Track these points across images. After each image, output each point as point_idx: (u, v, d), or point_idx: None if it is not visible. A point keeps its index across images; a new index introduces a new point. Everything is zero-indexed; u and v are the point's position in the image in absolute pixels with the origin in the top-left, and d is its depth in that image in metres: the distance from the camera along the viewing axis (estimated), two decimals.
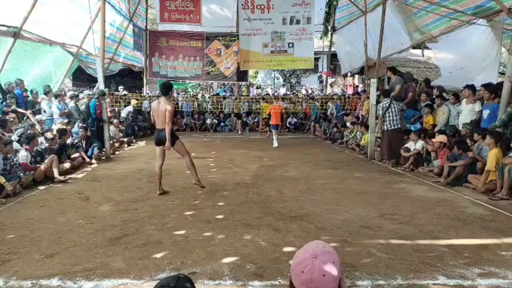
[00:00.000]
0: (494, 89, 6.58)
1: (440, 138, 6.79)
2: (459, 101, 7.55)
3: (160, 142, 5.35)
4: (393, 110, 7.67)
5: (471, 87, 7.02)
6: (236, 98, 16.25)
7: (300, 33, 14.42)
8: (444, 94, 8.44)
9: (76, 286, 2.67)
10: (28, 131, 6.78)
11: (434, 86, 9.36)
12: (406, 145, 7.73)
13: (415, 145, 7.48)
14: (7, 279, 2.78)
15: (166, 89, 5.23)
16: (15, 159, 5.66)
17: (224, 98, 16.71)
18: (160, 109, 5.15)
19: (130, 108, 12.93)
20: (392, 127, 7.70)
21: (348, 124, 11.34)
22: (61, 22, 9.82)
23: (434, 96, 8.39)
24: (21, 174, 5.57)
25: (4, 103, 8.14)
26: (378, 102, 8.89)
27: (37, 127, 7.70)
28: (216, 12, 15.23)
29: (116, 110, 12.34)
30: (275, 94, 20.37)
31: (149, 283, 2.71)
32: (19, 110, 8.35)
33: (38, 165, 6.06)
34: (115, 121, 10.57)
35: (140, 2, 14.02)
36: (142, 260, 3.11)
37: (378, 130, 7.99)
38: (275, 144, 10.73)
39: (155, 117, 5.30)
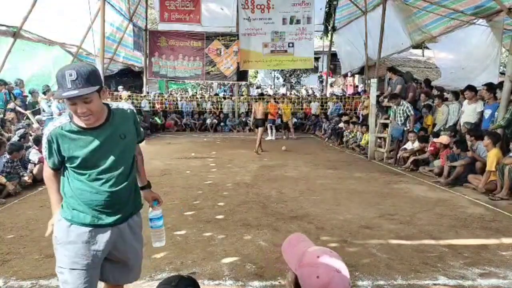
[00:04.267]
0: (492, 89, 6.59)
1: (442, 139, 6.79)
2: (458, 100, 7.55)
3: None
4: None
5: (473, 88, 7.03)
6: (243, 98, 16.26)
7: (300, 33, 14.43)
8: (443, 93, 8.45)
9: None
10: (25, 130, 6.78)
11: (434, 86, 9.36)
12: (404, 146, 7.74)
13: (412, 144, 7.49)
14: (7, 279, 2.78)
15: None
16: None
17: (224, 98, 16.72)
18: None
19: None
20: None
21: (341, 124, 11.45)
22: (61, 22, 9.81)
23: (434, 96, 8.39)
24: (25, 174, 5.60)
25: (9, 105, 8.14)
26: (378, 102, 8.90)
27: (34, 126, 7.69)
28: (216, 12, 15.23)
29: None
30: (275, 93, 20.38)
31: (149, 283, 2.71)
32: (19, 109, 8.35)
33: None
34: None
35: (140, 2, 14.01)
36: (142, 260, 3.10)
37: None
38: (270, 137, 11.39)
39: None
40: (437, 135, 7.19)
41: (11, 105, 8.13)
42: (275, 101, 13.49)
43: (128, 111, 1.83)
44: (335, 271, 1.05)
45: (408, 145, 7.60)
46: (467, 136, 6.23)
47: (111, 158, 1.70)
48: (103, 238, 1.73)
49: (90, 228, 1.70)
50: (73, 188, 1.70)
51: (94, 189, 1.69)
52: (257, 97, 12.35)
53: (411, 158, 7.27)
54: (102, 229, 1.72)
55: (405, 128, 7.92)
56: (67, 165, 1.70)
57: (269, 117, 11.82)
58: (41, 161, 6.04)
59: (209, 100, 16.58)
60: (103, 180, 1.69)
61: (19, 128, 7.13)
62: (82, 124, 1.65)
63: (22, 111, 8.43)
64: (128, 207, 1.81)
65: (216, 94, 19.37)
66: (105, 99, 1.71)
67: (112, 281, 1.88)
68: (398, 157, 7.83)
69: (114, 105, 1.79)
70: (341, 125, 11.52)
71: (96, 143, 1.66)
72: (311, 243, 1.19)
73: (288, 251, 1.15)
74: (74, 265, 1.68)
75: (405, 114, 7.87)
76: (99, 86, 1.60)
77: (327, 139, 12.39)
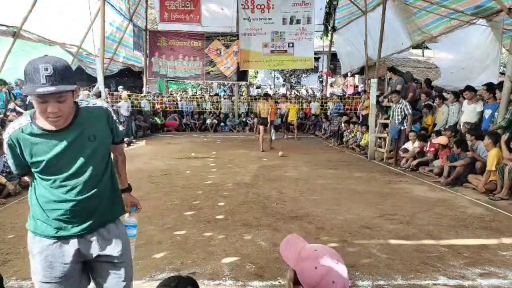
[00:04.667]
0: (492, 89, 6.59)
1: (440, 139, 6.79)
2: (458, 100, 7.56)
3: None
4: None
5: (472, 88, 7.04)
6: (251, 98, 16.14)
7: (300, 33, 14.43)
8: (443, 93, 8.45)
9: None
10: None
11: (434, 86, 9.36)
12: (404, 146, 7.74)
13: (413, 144, 7.49)
14: (7, 279, 2.77)
15: None
16: None
17: (224, 98, 16.72)
18: None
19: (126, 104, 12.87)
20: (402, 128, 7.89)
21: (342, 125, 11.46)
22: (61, 22, 9.81)
23: (434, 96, 8.40)
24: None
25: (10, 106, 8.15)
26: (378, 102, 8.89)
27: None
28: (216, 12, 15.23)
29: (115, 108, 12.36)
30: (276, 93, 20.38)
31: (149, 283, 2.71)
32: (19, 109, 8.35)
33: None
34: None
35: (140, 2, 14.02)
36: (142, 260, 3.10)
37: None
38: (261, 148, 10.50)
39: None
40: (439, 134, 7.18)
41: (11, 105, 8.13)
42: (276, 102, 13.49)
43: (100, 109, 1.63)
44: (332, 261, 1.08)
45: (409, 145, 7.60)
46: (468, 136, 6.23)
47: (78, 163, 1.52)
48: (69, 250, 1.57)
49: (54, 240, 1.55)
50: (38, 196, 1.55)
51: (58, 197, 1.52)
52: (262, 97, 12.26)
53: (415, 161, 7.22)
54: (67, 241, 1.56)
55: (402, 128, 7.81)
56: (33, 170, 1.54)
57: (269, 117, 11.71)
58: None
59: (209, 100, 16.58)
60: (68, 188, 1.52)
61: None
62: (46, 126, 1.47)
63: (22, 111, 8.43)
64: (100, 216, 1.62)
65: (217, 94, 19.36)
66: (76, 98, 1.53)
67: None
68: (397, 157, 7.83)
69: (83, 103, 1.59)
70: (342, 125, 11.51)
71: (60, 147, 1.49)
72: (306, 242, 1.21)
73: (286, 250, 1.17)
74: (44, 278, 1.56)
75: (402, 113, 7.77)
76: (75, 85, 1.45)
77: (327, 139, 12.40)
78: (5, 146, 1.51)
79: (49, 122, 1.45)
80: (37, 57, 1.43)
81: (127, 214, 1.84)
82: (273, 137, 11.06)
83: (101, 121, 1.61)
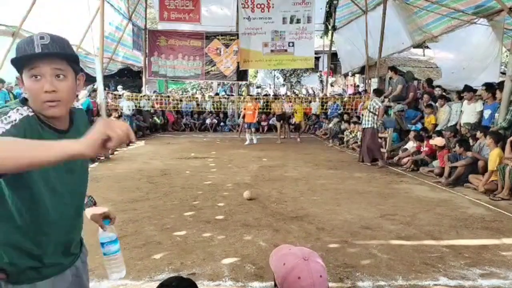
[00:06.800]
0: (492, 89, 6.58)
1: (437, 141, 6.75)
2: (460, 100, 7.55)
3: None
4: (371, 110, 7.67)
5: (471, 89, 7.03)
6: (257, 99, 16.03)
7: (300, 32, 14.41)
8: (444, 93, 8.44)
9: None
10: None
11: (435, 85, 9.35)
12: (405, 146, 7.73)
13: (413, 144, 7.48)
14: None
15: None
16: None
17: (227, 99, 16.70)
18: None
19: (128, 103, 12.89)
20: (368, 126, 7.70)
21: (342, 126, 11.47)
22: (59, 21, 9.79)
23: (436, 96, 8.38)
24: None
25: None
26: None
27: None
28: (215, 11, 15.20)
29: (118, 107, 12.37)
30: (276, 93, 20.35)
31: (149, 284, 2.69)
32: None
33: None
34: (112, 118, 10.55)
35: (139, 1, 13.99)
36: (142, 260, 3.09)
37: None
38: (249, 142, 10.96)
39: None
40: (440, 134, 7.16)
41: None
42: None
43: (82, 112, 1.37)
44: (301, 258, 1.07)
45: (410, 145, 7.59)
46: (477, 133, 6.14)
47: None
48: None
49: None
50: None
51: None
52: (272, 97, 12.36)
53: (409, 158, 7.28)
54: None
55: (374, 126, 7.65)
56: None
57: (248, 120, 11.20)
58: None
59: (209, 100, 16.56)
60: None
61: None
62: (53, 124, 1.16)
63: None
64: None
65: (217, 94, 19.35)
66: (80, 90, 1.25)
67: None
68: (387, 156, 7.90)
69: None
70: (343, 126, 11.49)
71: None
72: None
73: (271, 256, 1.18)
74: None
75: (374, 109, 7.59)
76: (77, 65, 1.17)
77: (328, 139, 12.38)
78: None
79: (46, 108, 1.11)
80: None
81: (100, 230, 1.54)
82: (254, 141, 10.90)
83: (86, 125, 1.33)
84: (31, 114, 1.12)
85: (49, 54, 1.09)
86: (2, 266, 1.13)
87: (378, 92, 8.04)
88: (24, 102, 1.15)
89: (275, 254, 1.17)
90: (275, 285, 1.11)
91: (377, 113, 7.53)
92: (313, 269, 1.05)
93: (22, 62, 1.11)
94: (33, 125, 1.11)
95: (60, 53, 1.11)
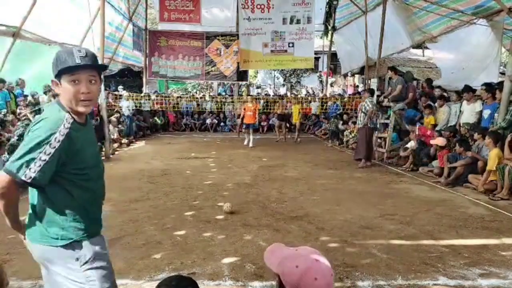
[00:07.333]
0: (491, 89, 6.58)
1: (438, 141, 6.77)
2: (460, 100, 7.55)
3: None
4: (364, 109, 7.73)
5: (470, 89, 7.03)
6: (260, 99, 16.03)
7: (300, 32, 14.40)
8: (444, 94, 8.44)
9: None
10: (23, 130, 6.79)
11: (435, 86, 9.35)
12: (406, 145, 7.74)
13: (413, 144, 7.49)
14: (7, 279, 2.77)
15: None
16: None
17: (226, 99, 16.70)
18: None
19: (128, 103, 12.90)
20: (360, 126, 7.79)
21: (340, 126, 11.47)
22: (60, 22, 9.80)
23: (435, 96, 8.38)
24: None
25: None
26: (378, 102, 8.89)
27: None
28: (216, 12, 15.21)
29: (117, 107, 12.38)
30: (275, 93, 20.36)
31: (149, 283, 2.70)
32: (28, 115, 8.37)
33: None
34: (113, 118, 10.55)
35: (140, 1, 13.99)
36: (142, 260, 3.10)
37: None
38: (247, 143, 10.74)
39: None
40: (439, 134, 7.18)
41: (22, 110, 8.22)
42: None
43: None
44: (313, 258, 1.08)
45: (411, 144, 7.59)
46: (475, 135, 6.16)
47: (97, 155, 1.68)
48: (104, 240, 1.66)
49: (99, 235, 1.63)
50: (77, 198, 1.50)
51: (92, 191, 1.58)
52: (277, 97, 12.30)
53: (408, 153, 7.33)
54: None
55: (365, 125, 7.68)
56: (69, 170, 1.47)
57: (247, 121, 10.88)
58: None
59: (209, 100, 16.56)
60: (95, 179, 1.61)
61: (17, 129, 7.13)
62: (77, 119, 1.51)
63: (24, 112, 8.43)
64: None
65: (220, 94, 19.36)
66: (100, 92, 1.70)
67: None
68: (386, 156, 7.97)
69: None
70: (341, 126, 11.52)
71: (91, 139, 1.60)
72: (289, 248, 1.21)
73: (269, 257, 1.17)
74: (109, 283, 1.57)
75: (365, 110, 7.64)
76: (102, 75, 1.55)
77: (327, 139, 12.40)
78: (54, 145, 1.37)
79: (80, 105, 1.47)
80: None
81: None
82: (251, 144, 10.58)
83: (91, 123, 1.73)
84: (67, 114, 1.45)
85: (87, 66, 1.44)
86: (78, 238, 1.51)
87: (370, 92, 8.15)
88: (60, 104, 1.50)
89: (272, 256, 1.16)
90: (280, 285, 1.11)
91: (367, 114, 7.65)
92: (326, 269, 1.06)
93: (64, 70, 1.43)
94: (72, 122, 1.46)
95: (94, 65, 1.48)
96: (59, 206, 1.48)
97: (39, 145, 1.36)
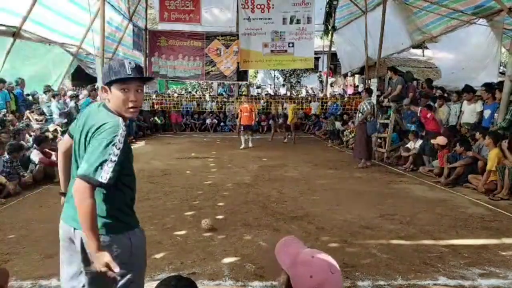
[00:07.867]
0: (491, 89, 6.58)
1: (439, 140, 6.77)
2: (460, 100, 7.55)
3: None
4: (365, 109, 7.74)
5: (471, 89, 7.03)
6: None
7: (300, 32, 14.41)
8: (444, 94, 8.44)
9: None
10: (20, 129, 6.78)
11: (435, 86, 9.35)
12: (407, 145, 7.74)
13: (414, 144, 7.48)
14: None
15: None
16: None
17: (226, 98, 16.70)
18: None
19: None
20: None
21: (337, 125, 11.49)
22: (60, 22, 9.80)
23: (437, 96, 8.38)
24: (25, 174, 5.63)
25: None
26: (378, 102, 8.89)
27: (35, 126, 7.67)
28: (216, 12, 15.21)
29: None
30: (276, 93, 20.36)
31: (149, 283, 2.69)
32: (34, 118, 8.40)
33: (53, 158, 6.07)
34: None
35: (139, 1, 13.99)
36: None
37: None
38: (245, 147, 10.22)
39: None
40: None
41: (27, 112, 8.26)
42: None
43: None
44: (329, 272, 1.05)
45: (411, 145, 7.60)
46: (476, 134, 6.16)
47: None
48: None
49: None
50: (125, 195, 1.68)
51: (133, 189, 1.74)
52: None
53: (409, 159, 7.31)
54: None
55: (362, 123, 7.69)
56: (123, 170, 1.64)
57: (244, 122, 10.34)
58: (41, 161, 6.01)
59: (210, 100, 16.56)
60: (133, 177, 1.76)
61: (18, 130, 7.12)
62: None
63: (34, 119, 8.44)
64: None
65: (220, 94, 19.35)
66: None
67: None
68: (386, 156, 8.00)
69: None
70: (337, 126, 11.54)
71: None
72: (305, 246, 1.18)
73: (282, 251, 1.14)
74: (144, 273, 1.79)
75: (362, 110, 7.64)
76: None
77: (327, 139, 12.40)
78: (118, 146, 1.49)
79: (129, 112, 1.61)
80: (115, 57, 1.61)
81: None
82: (250, 144, 10.34)
83: None
84: (123, 121, 1.57)
85: (137, 78, 1.60)
86: (130, 222, 1.69)
87: (368, 92, 8.16)
88: (108, 109, 1.62)
89: (286, 252, 1.12)
90: (287, 285, 1.09)
91: (364, 114, 7.64)
92: (339, 281, 1.06)
93: (116, 79, 1.57)
94: (124, 125, 1.58)
95: (143, 77, 1.65)
96: (118, 204, 1.63)
97: (107, 147, 1.46)
